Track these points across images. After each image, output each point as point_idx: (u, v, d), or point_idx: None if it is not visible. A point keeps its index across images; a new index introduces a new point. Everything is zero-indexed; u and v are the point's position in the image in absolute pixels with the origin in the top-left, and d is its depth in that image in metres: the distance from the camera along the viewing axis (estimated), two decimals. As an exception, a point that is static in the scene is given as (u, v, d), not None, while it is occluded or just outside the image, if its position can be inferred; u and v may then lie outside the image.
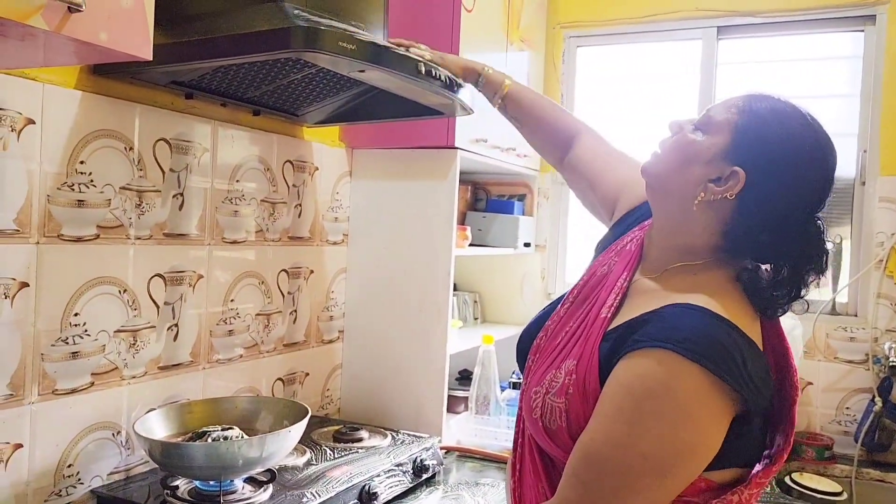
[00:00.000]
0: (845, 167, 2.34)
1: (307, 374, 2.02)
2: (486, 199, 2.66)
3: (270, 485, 1.45)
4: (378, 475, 1.60)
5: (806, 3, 2.31)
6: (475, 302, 2.68)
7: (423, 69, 1.37)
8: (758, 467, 0.99)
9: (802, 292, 0.97)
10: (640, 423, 0.88)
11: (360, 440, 1.82)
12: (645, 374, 0.89)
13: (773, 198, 0.96)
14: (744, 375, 0.87)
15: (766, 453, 1.00)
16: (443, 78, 1.43)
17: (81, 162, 1.35)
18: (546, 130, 1.45)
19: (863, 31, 2.30)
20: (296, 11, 1.29)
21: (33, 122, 1.27)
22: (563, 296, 1.15)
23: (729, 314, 0.91)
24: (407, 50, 1.41)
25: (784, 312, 0.99)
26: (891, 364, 2.13)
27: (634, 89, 2.62)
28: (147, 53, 1.05)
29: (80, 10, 0.93)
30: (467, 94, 1.57)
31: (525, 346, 1.14)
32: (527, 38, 2.44)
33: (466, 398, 2.29)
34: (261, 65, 1.45)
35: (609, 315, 1.01)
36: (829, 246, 0.98)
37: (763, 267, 0.99)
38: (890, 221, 2.21)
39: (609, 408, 0.91)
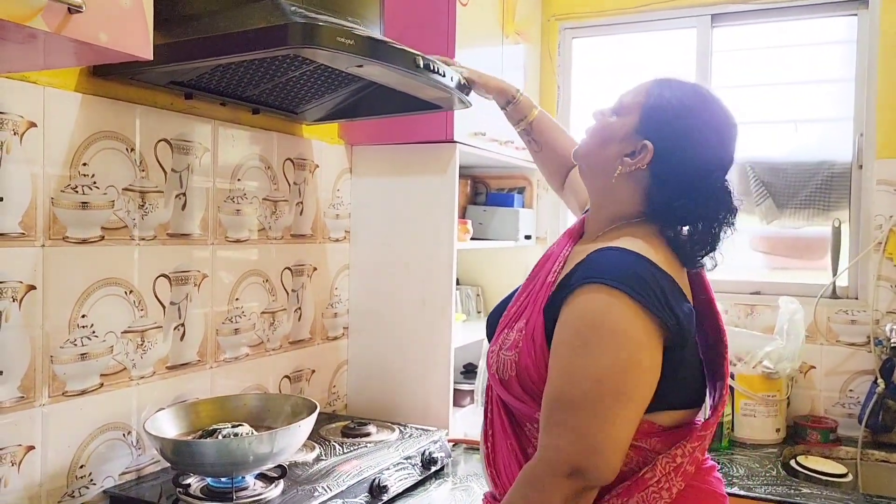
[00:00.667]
0: (842, 151, 2.35)
1: (313, 371, 2.03)
2: (486, 192, 2.67)
3: (281, 480, 1.46)
4: (388, 468, 1.61)
5: (799, -11, 2.32)
6: (477, 295, 2.69)
7: (420, 63, 1.38)
8: (699, 419, 1.12)
9: (717, 245, 1.12)
10: (585, 352, 0.99)
11: (368, 435, 1.83)
12: (580, 308, 1.02)
13: (681, 164, 1.10)
14: (664, 305, 1.00)
15: (708, 404, 1.14)
16: (440, 71, 1.44)
17: (84, 164, 1.36)
18: (560, 157, 1.55)
19: (856, 14, 2.31)
20: (292, 8, 1.30)
21: (35, 126, 1.28)
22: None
23: (650, 255, 1.05)
24: (448, 63, 1.51)
25: (702, 265, 1.13)
26: (892, 346, 2.14)
27: (630, 80, 2.62)
28: (147, 53, 1.06)
29: (80, 11, 0.94)
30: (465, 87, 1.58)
31: (493, 322, 1.24)
32: (522, 30, 2.44)
33: (471, 391, 2.30)
34: (259, 62, 1.46)
35: (553, 280, 1.14)
36: (737, 203, 1.13)
37: (683, 228, 1.13)
38: (888, 204, 2.22)
39: (560, 350, 1.03)
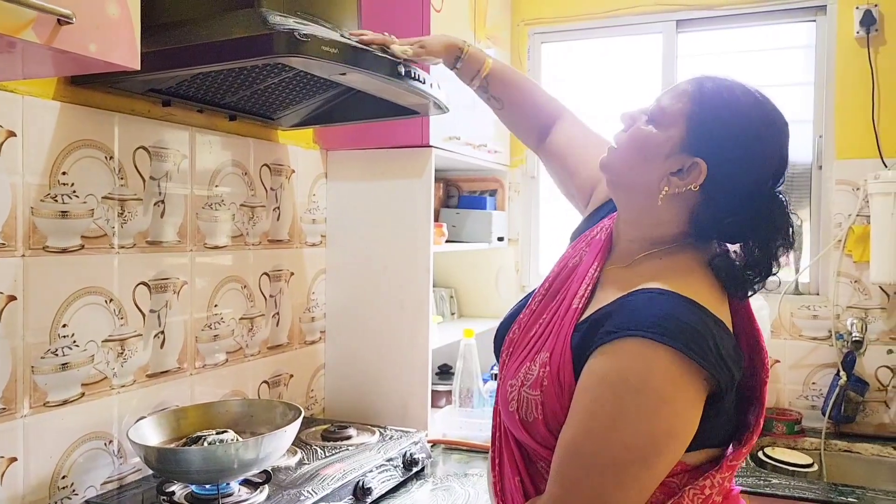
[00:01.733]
0: (802, 152, 2.43)
1: (291, 376, 2.03)
2: (458, 195, 2.69)
3: (266, 486, 1.47)
4: (371, 471, 1.63)
5: (760, -4, 2.40)
6: (451, 297, 2.72)
7: (402, 71, 1.40)
8: (729, 450, 1.01)
9: (774, 269, 0.99)
10: (619, 414, 0.89)
11: (348, 438, 1.84)
12: (619, 364, 0.90)
13: (735, 181, 0.97)
14: (715, 355, 0.88)
15: (739, 434, 1.01)
16: (422, 79, 1.46)
17: (63, 173, 1.35)
18: (527, 111, 1.41)
19: (815, 21, 2.39)
20: (274, 16, 1.31)
21: (14, 135, 1.27)
22: (535, 289, 1.15)
23: (696, 296, 0.93)
24: (387, 48, 1.39)
25: (756, 292, 1.00)
26: (853, 339, 2.23)
27: (599, 83, 2.69)
28: (135, 63, 1.06)
29: (70, 23, 0.94)
30: (443, 92, 1.60)
31: (500, 341, 1.14)
32: (493, 35, 2.48)
33: (447, 392, 2.32)
34: (238, 70, 1.46)
35: (580, 306, 1.02)
36: (794, 219, 0.99)
37: (732, 248, 1.01)
38: (847, 203, 2.30)
39: (587, 402, 0.92)
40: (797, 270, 2.37)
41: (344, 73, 1.36)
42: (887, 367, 2.25)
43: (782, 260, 0.99)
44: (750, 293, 1.00)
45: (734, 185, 0.97)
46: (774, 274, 0.99)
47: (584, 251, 1.12)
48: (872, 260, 2.19)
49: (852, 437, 2.23)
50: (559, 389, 0.96)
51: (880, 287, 2.26)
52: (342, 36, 1.34)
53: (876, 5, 2.25)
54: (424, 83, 1.49)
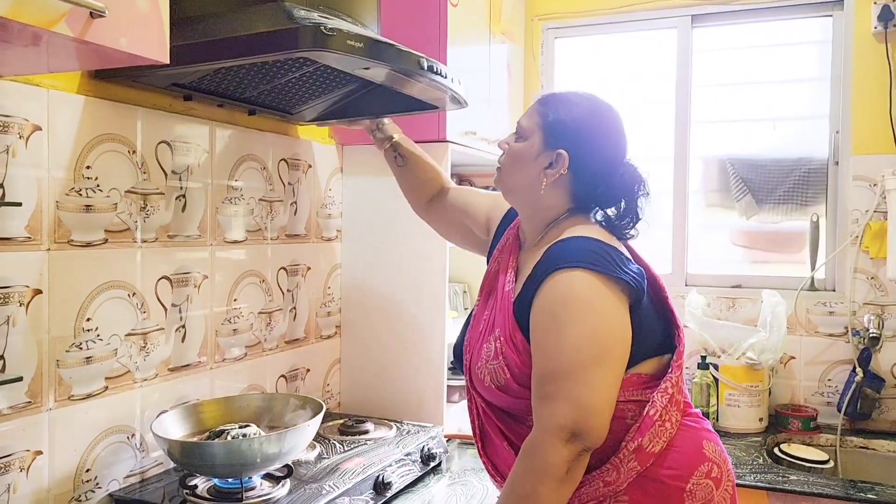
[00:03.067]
0: (818, 148, 2.43)
1: (308, 370, 2.03)
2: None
3: (288, 480, 1.47)
4: (390, 465, 1.63)
5: (777, -10, 2.39)
6: (464, 292, 2.71)
7: (424, 64, 1.40)
8: (671, 356, 1.25)
9: (640, 214, 1.28)
10: (563, 330, 1.12)
11: (366, 432, 1.84)
12: (549, 294, 1.15)
13: (594, 158, 1.26)
14: (619, 267, 1.15)
15: (671, 340, 1.26)
16: (443, 73, 1.46)
17: (88, 167, 1.35)
18: (418, 179, 1.74)
19: (831, 15, 2.38)
20: (298, 11, 1.30)
21: (40, 129, 1.27)
22: (473, 306, 1.40)
23: (595, 236, 1.20)
24: None
25: (636, 235, 1.29)
26: (870, 335, 2.23)
27: (613, 79, 2.68)
28: (164, 56, 1.06)
29: (102, 16, 0.94)
30: (462, 87, 1.60)
31: (458, 351, 1.37)
32: (508, 30, 2.47)
33: (460, 388, 2.32)
34: (261, 65, 1.46)
35: (511, 288, 1.27)
36: (644, 175, 1.28)
37: (607, 210, 1.29)
38: (864, 199, 2.30)
39: (538, 335, 1.15)
40: (813, 267, 2.37)
41: (367, 68, 1.35)
42: (903, 363, 2.25)
43: (643, 206, 1.28)
44: (632, 235, 1.29)
45: (594, 162, 1.26)
46: (640, 219, 1.28)
47: (500, 257, 1.38)
48: (889, 256, 2.18)
49: (868, 433, 2.23)
50: (515, 349, 1.20)
51: (897, 283, 2.25)
52: (365, 29, 1.34)
53: (894, 0, 2.23)
54: (445, 77, 1.49)
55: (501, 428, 1.26)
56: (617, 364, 1.14)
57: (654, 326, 1.25)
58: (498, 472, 1.30)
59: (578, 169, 1.26)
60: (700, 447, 1.20)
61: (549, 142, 1.27)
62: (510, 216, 1.47)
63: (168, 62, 1.06)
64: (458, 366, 1.39)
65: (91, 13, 0.93)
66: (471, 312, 1.39)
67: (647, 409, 1.17)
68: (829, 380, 2.33)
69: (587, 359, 1.11)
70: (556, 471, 1.09)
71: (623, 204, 1.28)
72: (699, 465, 1.18)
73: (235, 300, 1.74)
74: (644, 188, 1.29)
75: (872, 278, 2.29)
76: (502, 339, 1.22)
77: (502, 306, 1.26)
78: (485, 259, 1.51)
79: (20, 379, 1.23)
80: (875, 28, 2.26)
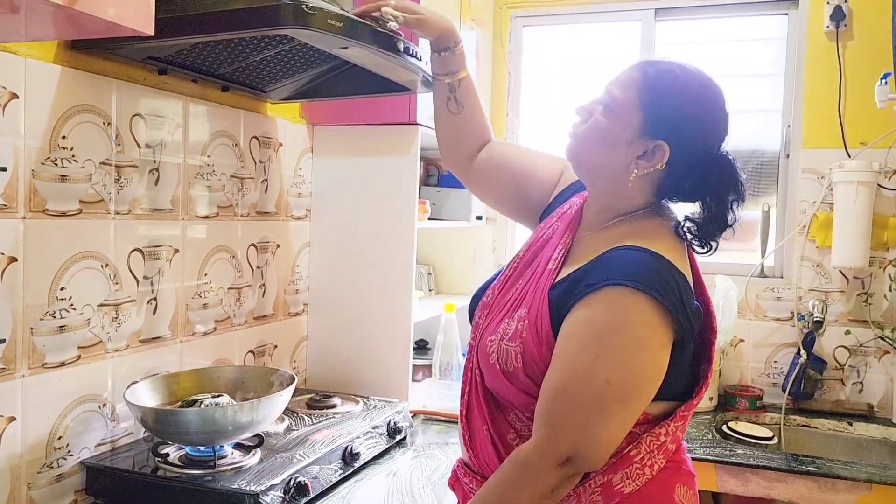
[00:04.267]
0: (771, 141, 2.53)
1: (276, 346, 2.06)
2: (438, 174, 2.74)
3: (259, 449, 1.51)
4: (358, 437, 1.68)
5: (736, -12, 2.49)
6: (429, 274, 2.77)
7: (401, 47, 1.44)
8: (682, 404, 1.12)
9: (730, 220, 1.09)
10: (602, 354, 1.00)
11: (333, 406, 1.88)
12: (601, 309, 1.01)
13: (694, 152, 1.09)
14: (682, 304, 1.01)
15: (692, 388, 1.13)
16: (419, 56, 1.50)
17: (63, 137, 1.36)
18: (475, 125, 1.45)
19: (787, 14, 2.49)
20: (277, -12, 1.33)
21: (17, 97, 1.27)
22: (508, 262, 1.25)
23: (665, 253, 1.04)
24: (380, 13, 1.35)
25: (717, 246, 1.11)
26: (814, 320, 2.35)
27: (578, 68, 2.75)
28: (149, 28, 1.07)
29: (92, -14, 0.95)
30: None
31: (475, 305, 1.25)
32: (477, 17, 2.52)
33: (424, 367, 2.38)
34: (237, 41, 1.47)
35: (555, 267, 1.13)
36: (742, 175, 1.11)
37: (692, 212, 1.12)
38: (812, 191, 2.41)
39: (573, 346, 1.03)
40: (763, 254, 2.48)
41: (346, 48, 1.39)
42: (844, 347, 2.38)
43: (736, 211, 1.10)
44: (714, 246, 1.11)
45: (693, 156, 1.09)
46: (731, 225, 1.09)
47: (556, 225, 1.23)
48: (834, 245, 2.30)
49: (810, 412, 2.35)
50: (537, 339, 1.07)
51: (840, 271, 2.38)
52: (343, 10, 1.36)
53: (846, 1, 2.34)
54: (421, 60, 1.53)
55: (485, 410, 1.17)
56: (639, 407, 1.04)
57: (686, 371, 1.11)
58: (473, 447, 1.20)
59: (675, 163, 1.08)
60: (671, 493, 1.11)
61: (648, 128, 1.08)
62: (580, 184, 1.27)
63: (153, 34, 1.07)
64: (469, 315, 1.27)
65: (80, -18, 0.95)
66: (502, 269, 1.25)
67: (629, 448, 1.06)
68: (776, 362, 2.45)
69: (614, 395, 1.00)
70: (543, 489, 1.03)
71: (711, 204, 1.09)
72: None
73: (206, 275, 1.76)
74: (740, 189, 1.09)
75: (818, 266, 2.41)
76: (527, 321, 1.09)
77: (539, 285, 1.12)
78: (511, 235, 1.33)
79: (3, 341, 1.24)
80: (827, 27, 2.37)
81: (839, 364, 2.38)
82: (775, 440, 2.20)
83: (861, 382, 2.37)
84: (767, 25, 2.57)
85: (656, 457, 1.08)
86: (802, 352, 2.35)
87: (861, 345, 2.36)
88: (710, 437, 2.09)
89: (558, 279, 1.11)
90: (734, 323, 2.34)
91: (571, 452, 1.02)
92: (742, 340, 2.48)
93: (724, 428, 2.23)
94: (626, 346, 1.00)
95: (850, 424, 2.27)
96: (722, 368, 2.45)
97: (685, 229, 1.10)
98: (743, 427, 2.23)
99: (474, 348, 1.19)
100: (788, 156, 2.48)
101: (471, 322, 1.26)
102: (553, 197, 1.34)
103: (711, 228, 1.09)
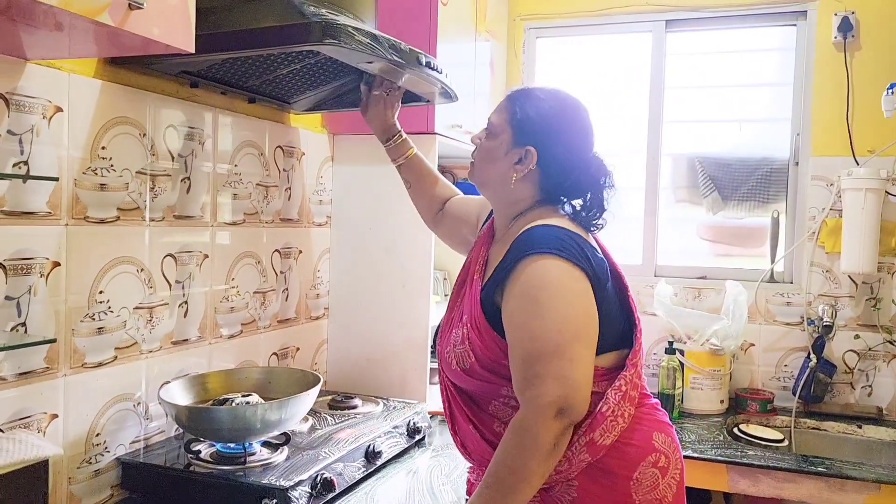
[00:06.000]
0: (780, 149, 2.58)
1: (298, 349, 2.13)
2: (454, 182, 2.79)
3: (286, 447, 1.57)
4: (379, 436, 1.73)
5: (745, 0, 2.54)
6: (444, 279, 2.82)
7: (423, 60, 1.50)
8: (628, 353, 1.31)
9: (605, 205, 1.34)
10: (543, 311, 1.18)
11: (354, 407, 1.94)
12: (524, 278, 1.21)
13: (562, 152, 1.32)
14: (584, 255, 1.22)
15: (630, 337, 1.32)
16: (439, 69, 1.56)
17: (103, 147, 1.43)
18: (425, 194, 1.77)
19: (795, 25, 2.54)
20: (307, 6, 1.39)
21: (61, 110, 1.34)
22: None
23: (559, 224, 1.27)
24: None
25: (602, 226, 1.35)
26: (824, 324, 2.39)
27: (591, 78, 2.81)
28: (190, 46, 1.15)
29: (140, 8, 1.03)
30: (454, 83, 1.71)
31: (436, 337, 1.45)
32: (492, 29, 2.58)
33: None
34: (266, 56, 1.54)
35: (478, 276, 1.34)
36: (610, 168, 1.35)
37: (574, 202, 1.35)
38: (821, 197, 2.46)
39: (518, 319, 1.21)
40: (773, 260, 2.52)
41: (371, 62, 1.45)
42: (854, 351, 2.42)
43: (609, 198, 1.35)
44: (599, 225, 1.35)
45: (561, 157, 1.32)
46: (606, 210, 1.35)
47: (474, 248, 1.46)
48: (843, 251, 2.35)
49: (820, 415, 2.39)
50: (479, 334, 1.27)
51: (849, 276, 2.42)
52: (367, 26, 1.43)
53: (853, 13, 2.39)
54: (441, 73, 1.59)
55: (467, 412, 1.33)
56: (591, 342, 1.21)
57: (616, 319, 1.30)
58: (467, 451, 1.37)
59: (546, 164, 1.32)
60: (650, 439, 1.26)
61: (517, 138, 1.33)
62: (492, 213, 1.50)
63: (193, 51, 1.14)
64: (433, 347, 1.47)
65: (130, 4, 1.02)
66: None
67: (600, 405, 1.22)
68: (786, 365, 2.50)
69: (569, 337, 1.17)
70: (546, 446, 1.14)
71: (589, 196, 1.34)
72: (647, 455, 1.25)
73: (233, 279, 1.83)
74: (609, 180, 1.35)
75: (827, 271, 2.45)
76: (469, 324, 1.29)
77: (471, 294, 1.32)
78: None
79: (54, 340, 1.31)
80: (835, 38, 2.41)
81: (849, 368, 2.42)
82: (786, 442, 2.24)
83: (870, 386, 2.41)
84: (776, 36, 2.62)
85: (624, 406, 1.24)
86: (812, 356, 2.39)
87: (870, 349, 2.39)
88: (721, 438, 2.14)
89: (485, 282, 1.31)
90: (744, 327, 2.38)
91: (560, 402, 1.14)
92: (752, 345, 2.53)
93: (735, 430, 2.28)
94: (556, 296, 1.19)
95: (860, 427, 2.31)
96: (733, 371, 2.49)
97: (568, 211, 1.34)
98: (754, 429, 2.27)
99: (440, 366, 1.39)
100: (798, 163, 2.53)
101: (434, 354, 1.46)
102: (478, 231, 1.56)
103: (593, 213, 1.34)
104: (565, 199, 1.36)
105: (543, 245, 1.21)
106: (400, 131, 1.74)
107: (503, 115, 1.36)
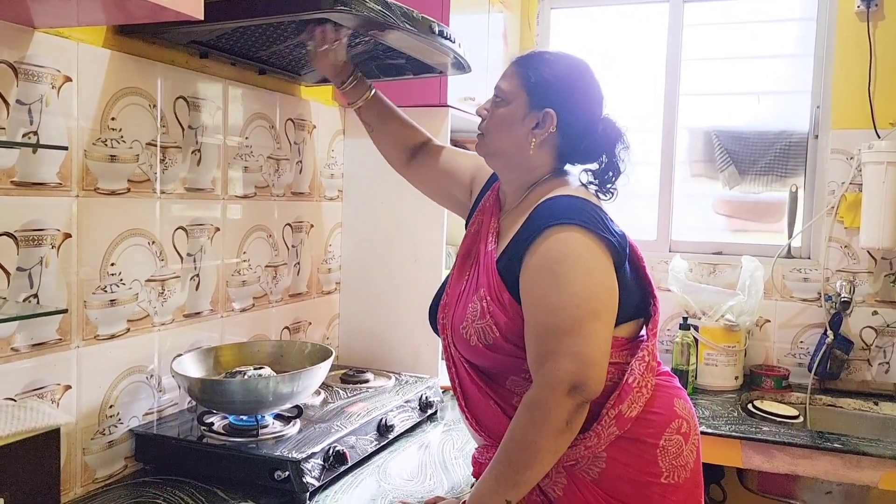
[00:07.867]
0: (799, 122, 2.54)
1: (310, 323, 2.12)
2: (466, 156, 2.77)
3: (298, 420, 1.56)
4: (391, 410, 1.73)
5: (766, -32, 2.48)
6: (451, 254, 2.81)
7: (435, 29, 1.47)
8: (645, 323, 1.33)
9: (622, 167, 1.33)
10: (561, 284, 1.16)
11: (366, 381, 1.94)
12: (545, 250, 1.18)
13: (578, 116, 1.30)
14: (607, 228, 1.21)
15: (648, 307, 1.33)
16: (452, 38, 1.53)
17: (113, 118, 1.41)
18: (389, 137, 1.69)
19: (816, -6, 2.48)
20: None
21: (70, 80, 1.33)
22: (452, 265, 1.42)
23: (578, 194, 1.25)
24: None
25: (616, 191, 1.34)
26: (841, 300, 2.36)
27: (607, 49, 2.76)
28: (199, 13, 1.13)
29: (147, -27, 1.00)
30: (468, 53, 1.68)
31: (433, 312, 1.41)
32: (505, 0, 2.53)
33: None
34: (276, 25, 1.52)
35: (493, 248, 1.31)
36: (623, 128, 1.33)
37: (589, 167, 1.34)
38: (841, 171, 2.41)
39: (536, 291, 1.18)
40: (790, 235, 2.49)
41: (382, 30, 1.42)
42: (871, 327, 2.39)
43: (626, 160, 1.34)
44: (613, 190, 1.34)
45: (579, 119, 1.30)
46: (623, 172, 1.33)
47: (481, 218, 1.41)
48: (863, 226, 2.31)
49: (836, 392, 2.37)
50: (502, 308, 1.23)
51: (868, 252, 2.38)
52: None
53: (877, -19, 2.33)
54: (454, 42, 1.56)
55: (486, 389, 1.30)
56: (610, 317, 1.19)
57: (633, 290, 1.30)
58: (483, 428, 1.34)
59: (565, 126, 1.29)
60: (672, 405, 1.27)
61: (534, 102, 1.29)
62: (493, 180, 1.48)
63: (202, 18, 1.12)
64: (431, 324, 1.43)
65: (137, -31, 1.00)
66: (447, 277, 1.42)
67: (626, 377, 1.22)
68: (802, 342, 2.47)
69: (585, 313, 1.15)
70: (558, 423, 1.13)
71: (605, 158, 1.33)
72: (671, 422, 1.26)
73: (244, 253, 1.82)
74: (624, 141, 1.33)
75: (846, 247, 2.41)
76: (488, 297, 1.25)
77: (485, 266, 1.28)
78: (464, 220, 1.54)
79: (66, 311, 1.31)
80: (858, 7, 2.35)
81: (866, 344, 2.40)
82: (801, 419, 2.22)
83: (888, 363, 2.38)
84: (797, 5, 2.56)
85: (647, 377, 1.24)
86: (829, 332, 2.37)
87: (888, 325, 2.36)
88: (735, 414, 2.12)
89: (499, 254, 1.28)
90: (760, 303, 2.35)
91: (574, 379, 1.13)
92: (768, 321, 2.50)
93: (750, 406, 2.26)
94: (577, 269, 1.16)
95: (877, 404, 2.29)
96: (748, 348, 2.47)
97: (587, 182, 1.33)
98: (768, 406, 2.25)
99: (450, 344, 1.34)
100: (817, 136, 2.48)
101: (435, 329, 1.42)
102: (474, 198, 1.53)
103: (609, 176, 1.33)
104: (580, 166, 1.35)
105: (565, 216, 1.19)
106: (354, 70, 1.61)
107: (515, 80, 1.32)
